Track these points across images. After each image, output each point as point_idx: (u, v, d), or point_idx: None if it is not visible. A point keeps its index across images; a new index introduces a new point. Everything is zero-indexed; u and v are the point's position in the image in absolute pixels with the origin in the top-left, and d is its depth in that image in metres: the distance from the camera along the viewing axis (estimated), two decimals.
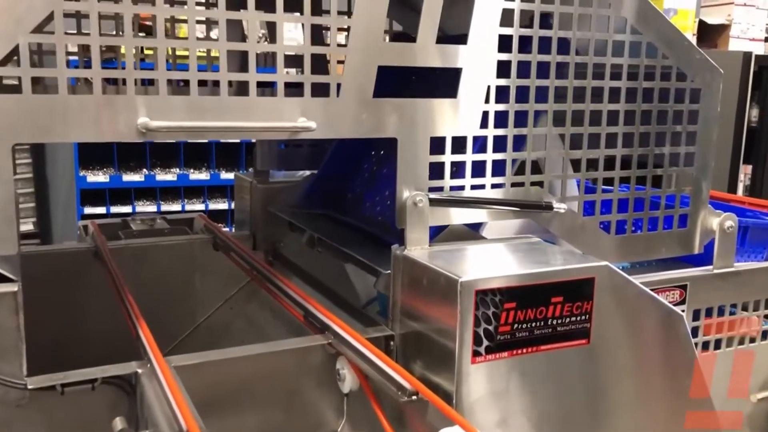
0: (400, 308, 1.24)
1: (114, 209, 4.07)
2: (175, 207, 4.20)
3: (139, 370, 1.09)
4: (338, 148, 1.88)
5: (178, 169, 4.19)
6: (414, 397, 1.01)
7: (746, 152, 4.71)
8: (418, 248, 1.24)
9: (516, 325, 1.12)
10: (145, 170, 4.14)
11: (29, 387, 1.02)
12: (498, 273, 1.11)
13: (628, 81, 1.39)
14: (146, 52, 1.80)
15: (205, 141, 4.20)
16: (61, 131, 1.00)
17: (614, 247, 1.44)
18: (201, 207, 4.23)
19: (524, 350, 1.13)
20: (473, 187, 1.30)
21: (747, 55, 4.50)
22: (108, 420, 1.08)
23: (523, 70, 1.28)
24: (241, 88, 1.10)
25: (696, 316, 1.47)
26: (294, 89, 1.14)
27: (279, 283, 1.53)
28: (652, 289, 1.29)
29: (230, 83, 1.13)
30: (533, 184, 1.35)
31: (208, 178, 4.24)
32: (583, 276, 1.16)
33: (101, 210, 4.03)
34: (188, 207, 4.20)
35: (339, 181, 1.85)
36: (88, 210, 4.00)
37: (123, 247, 1.87)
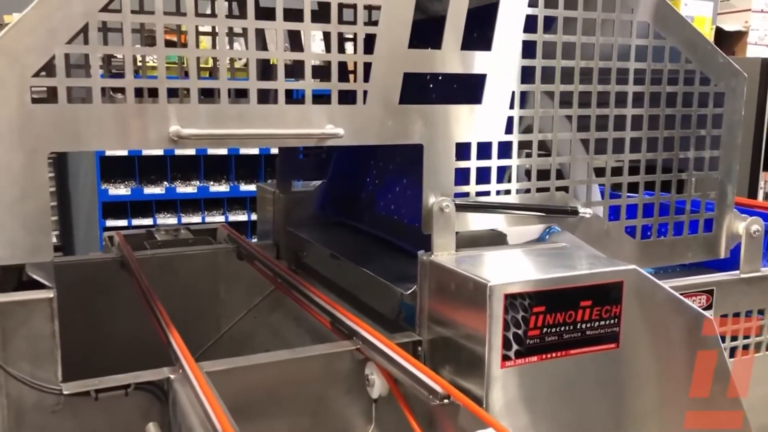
0: (427, 314, 1.24)
1: (135, 222, 4.11)
2: (196, 219, 4.23)
3: (172, 376, 1.10)
4: (342, 153, 1.90)
5: (198, 182, 4.23)
6: (446, 401, 1.01)
7: (766, 159, 4.67)
8: (444, 254, 1.25)
9: (545, 329, 1.12)
10: (165, 183, 4.17)
11: (64, 393, 1.04)
12: (527, 277, 1.12)
13: (652, 85, 1.39)
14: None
15: (225, 153, 4.23)
16: (94, 140, 1.02)
17: (639, 251, 1.44)
18: (221, 219, 4.26)
19: (553, 354, 1.13)
20: (498, 193, 1.31)
21: (765, 62, 4.47)
22: (141, 426, 1.09)
23: (547, 75, 1.29)
24: (263, 99, 1.11)
25: (723, 321, 1.46)
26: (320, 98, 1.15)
27: (305, 290, 1.54)
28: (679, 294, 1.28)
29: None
30: (558, 189, 1.36)
31: (228, 190, 4.27)
32: (612, 280, 1.16)
33: (123, 222, 4.07)
34: (208, 219, 4.23)
35: (348, 186, 1.86)
36: (110, 223, 4.04)
37: (149, 257, 1.89)
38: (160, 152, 4.09)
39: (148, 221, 4.12)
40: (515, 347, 1.10)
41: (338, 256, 1.68)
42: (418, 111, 1.21)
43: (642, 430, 1.25)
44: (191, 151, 4.15)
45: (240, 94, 1.12)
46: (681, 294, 1.32)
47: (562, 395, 1.16)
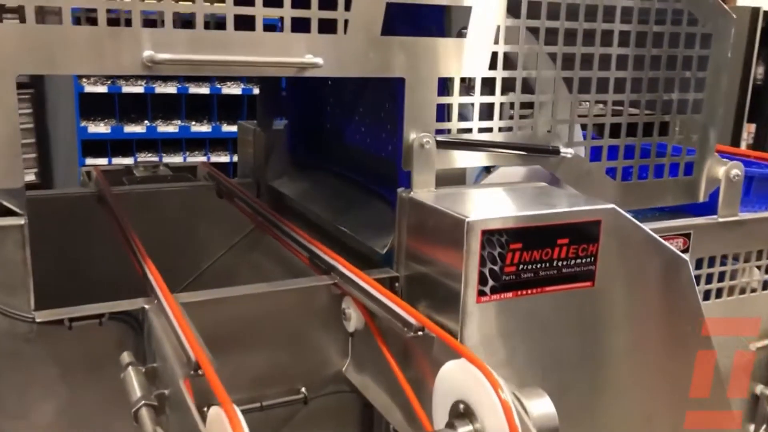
0: (405, 250, 1.24)
1: (116, 161, 4.06)
2: (177, 159, 4.19)
3: (146, 306, 1.10)
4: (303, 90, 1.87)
5: (179, 121, 4.17)
6: (420, 333, 1.02)
7: (751, 110, 4.68)
8: (424, 190, 1.24)
9: (521, 266, 1.12)
10: (146, 122, 4.11)
11: (37, 320, 1.03)
12: (505, 213, 1.11)
13: (639, 25, 1.37)
14: None
15: (207, 92, 4.16)
16: (64, 63, 0.99)
17: (620, 193, 1.44)
18: (203, 159, 4.22)
19: (529, 291, 1.13)
20: (481, 131, 1.29)
21: (755, 11, 4.44)
22: (115, 355, 1.08)
23: (534, 10, 1.26)
24: (241, 26, 1.08)
25: (699, 264, 1.47)
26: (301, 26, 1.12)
27: (284, 228, 1.53)
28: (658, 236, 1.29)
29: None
30: (540, 129, 1.34)
31: (210, 130, 4.22)
32: (590, 218, 1.16)
33: (103, 161, 4.02)
34: (190, 159, 4.19)
35: (313, 123, 1.84)
36: (90, 161, 3.99)
37: (127, 193, 1.87)
38: (140, 90, 4.01)
39: (129, 161, 4.08)
40: (491, 283, 1.10)
41: (313, 211, 1.67)
42: (401, 43, 1.19)
43: (617, 369, 1.27)
44: (173, 90, 4.08)
45: (220, 27, 1.08)
46: (659, 236, 1.32)
47: (538, 332, 1.17)
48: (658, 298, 1.28)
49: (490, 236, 1.09)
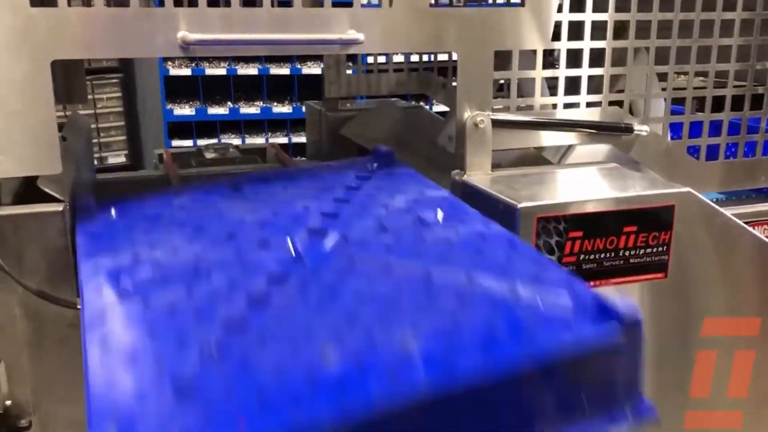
0: None
1: (200, 142, 4.14)
2: (259, 140, 4.23)
3: None
4: None
5: (261, 102, 4.20)
6: None
7: None
8: (479, 173, 1.15)
9: (582, 256, 1.02)
10: (229, 103, 4.17)
11: (78, 307, 1.03)
12: (562, 199, 1.02)
13: None
14: None
15: (287, 73, 4.17)
16: (99, 47, 0.97)
17: (704, 174, 1.30)
18: (284, 140, 4.25)
19: (591, 283, 1.04)
20: (543, 107, 1.19)
21: None
22: None
23: None
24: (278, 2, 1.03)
25: None
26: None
27: None
28: (743, 222, 1.15)
29: None
30: (612, 103, 1.23)
31: (291, 111, 4.23)
32: (662, 203, 1.05)
33: (188, 143, 4.12)
34: (272, 140, 4.22)
35: None
36: (176, 143, 4.09)
37: (193, 176, 1.87)
38: (223, 72, 4.07)
39: (213, 142, 4.15)
40: None
41: None
42: (452, 15, 1.10)
43: (691, 368, 1.16)
44: (254, 71, 4.11)
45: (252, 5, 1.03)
46: (747, 222, 1.19)
47: None
48: (742, 292, 1.15)
49: (546, 223, 1.00)
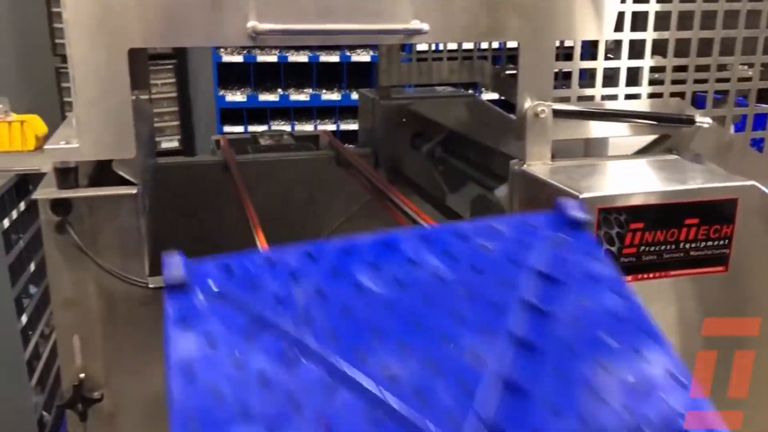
0: None
1: (251, 128, 4.21)
2: (308, 127, 4.28)
3: None
4: None
5: (311, 90, 4.24)
6: None
7: None
8: (538, 163, 1.16)
9: (643, 248, 1.02)
10: (280, 90, 4.22)
11: (150, 286, 1.07)
12: (624, 190, 1.02)
13: None
14: None
15: (337, 60, 4.20)
16: (172, 36, 1.00)
17: None
18: (333, 127, 4.28)
19: (651, 275, 1.04)
20: (604, 98, 1.19)
21: None
22: None
23: None
24: None
25: None
26: None
27: (396, 201, 1.50)
28: None
29: None
30: (673, 95, 1.22)
31: (340, 98, 4.26)
32: (724, 196, 1.04)
33: (239, 129, 4.18)
34: (320, 127, 4.26)
35: None
36: (227, 129, 4.16)
37: (250, 161, 1.92)
38: (274, 59, 4.11)
39: (264, 128, 4.21)
40: None
41: (436, 155, 1.62)
42: (514, 4, 1.11)
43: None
44: (304, 58, 4.15)
45: None
46: None
47: (661, 320, 1.07)
48: None
49: (607, 214, 1.00)
